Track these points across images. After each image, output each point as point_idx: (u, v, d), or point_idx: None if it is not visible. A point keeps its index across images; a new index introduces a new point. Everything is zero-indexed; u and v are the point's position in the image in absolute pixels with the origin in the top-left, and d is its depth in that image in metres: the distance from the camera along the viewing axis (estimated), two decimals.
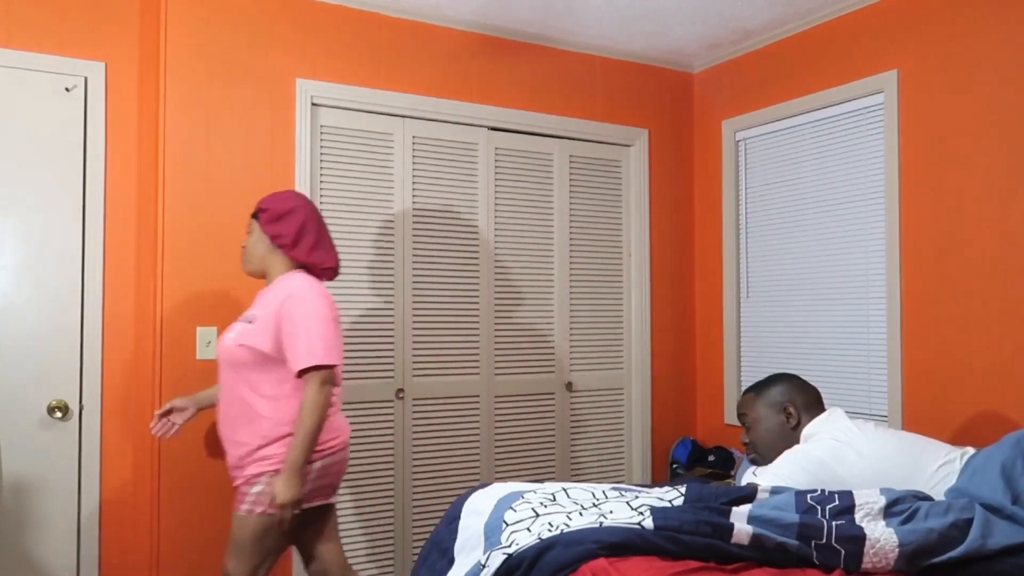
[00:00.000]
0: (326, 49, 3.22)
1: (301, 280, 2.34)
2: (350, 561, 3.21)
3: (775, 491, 2.05)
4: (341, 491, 3.20)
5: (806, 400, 2.46)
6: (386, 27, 3.34)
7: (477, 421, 3.51)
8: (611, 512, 2.01)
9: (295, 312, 2.27)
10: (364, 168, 3.31)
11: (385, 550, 3.29)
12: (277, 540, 2.35)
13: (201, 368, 2.95)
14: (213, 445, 2.97)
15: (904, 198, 3.09)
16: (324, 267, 2.44)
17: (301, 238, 2.40)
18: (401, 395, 3.34)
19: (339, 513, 3.20)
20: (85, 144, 2.94)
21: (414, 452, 3.37)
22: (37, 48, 2.86)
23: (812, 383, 3.09)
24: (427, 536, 3.36)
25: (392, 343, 3.34)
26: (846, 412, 2.46)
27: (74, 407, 2.89)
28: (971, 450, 2.24)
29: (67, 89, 2.59)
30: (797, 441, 2.42)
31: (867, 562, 1.75)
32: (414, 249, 3.39)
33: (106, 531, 2.94)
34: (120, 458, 2.97)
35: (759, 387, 2.52)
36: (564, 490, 2.22)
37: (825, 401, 3.39)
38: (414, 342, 3.38)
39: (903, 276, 3.09)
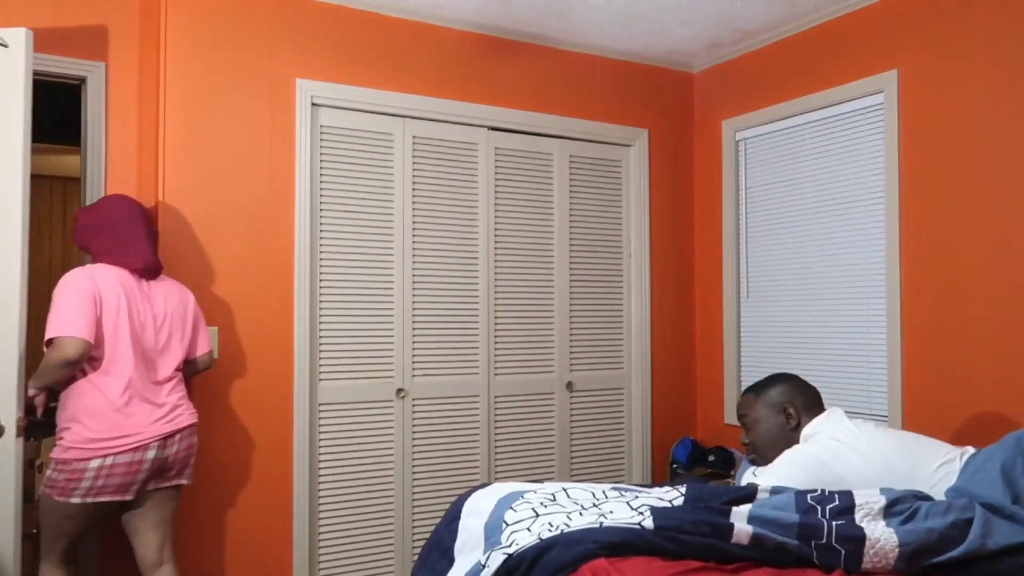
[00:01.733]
0: (326, 49, 3.22)
1: (74, 270, 2.47)
2: (343, 561, 3.21)
3: (775, 491, 2.05)
4: (343, 488, 3.20)
5: (806, 400, 2.46)
6: (386, 27, 3.34)
7: (477, 421, 3.51)
8: (611, 512, 2.01)
9: (54, 296, 2.41)
10: (364, 168, 3.31)
11: (385, 550, 3.29)
12: (72, 521, 2.41)
13: None
14: (213, 446, 2.97)
15: (904, 198, 3.09)
16: (132, 269, 2.53)
17: (102, 250, 2.52)
18: (401, 395, 3.34)
19: (340, 512, 3.20)
20: (86, 142, 2.94)
21: (414, 452, 3.37)
22: (37, 48, 2.86)
23: (812, 383, 3.10)
24: (427, 536, 3.37)
25: (392, 343, 3.34)
26: (846, 412, 2.46)
27: None
28: (971, 449, 2.24)
29: (3, 45, 2.49)
30: (797, 441, 2.42)
31: (867, 562, 1.75)
32: (414, 249, 3.39)
33: (107, 532, 2.93)
34: None
35: (759, 387, 2.52)
36: (564, 490, 2.22)
37: (825, 401, 3.40)
38: (414, 342, 3.38)
39: (903, 276, 3.09)
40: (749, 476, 2.39)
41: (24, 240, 2.46)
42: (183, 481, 2.60)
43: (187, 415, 2.57)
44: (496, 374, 3.56)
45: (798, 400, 2.45)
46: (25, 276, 2.47)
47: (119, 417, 2.39)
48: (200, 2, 3.00)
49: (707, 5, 3.33)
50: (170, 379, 2.56)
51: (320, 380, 3.19)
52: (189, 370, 2.72)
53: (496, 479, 3.55)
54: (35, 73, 2.85)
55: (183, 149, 2.96)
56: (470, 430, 3.50)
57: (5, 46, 2.47)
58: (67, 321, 2.32)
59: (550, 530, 1.90)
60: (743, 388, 3.83)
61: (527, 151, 3.68)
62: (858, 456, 2.20)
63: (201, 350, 2.72)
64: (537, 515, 2.02)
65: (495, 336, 3.57)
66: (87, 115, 2.94)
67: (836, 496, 1.93)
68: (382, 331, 3.32)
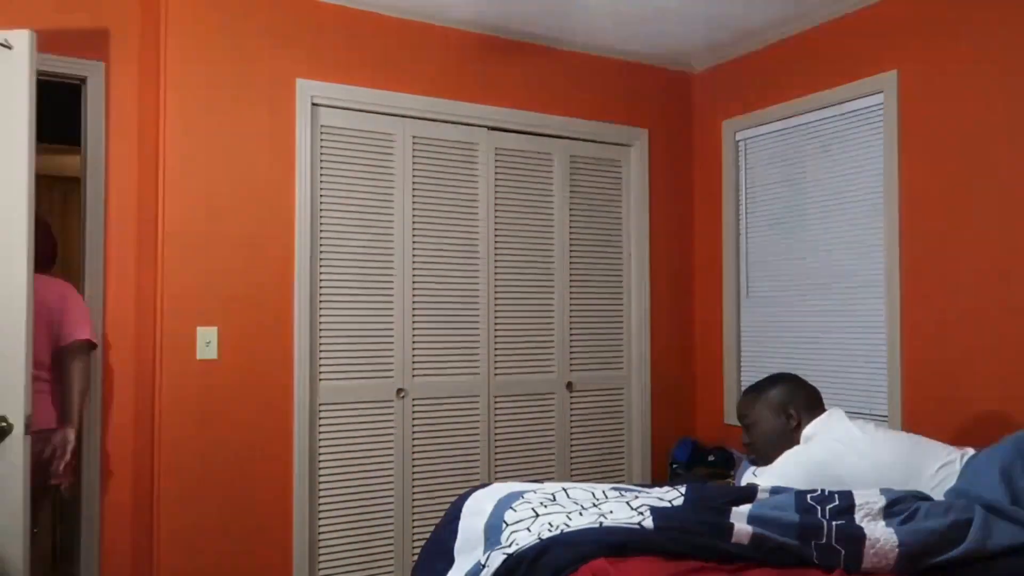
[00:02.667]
0: (326, 49, 3.22)
1: None
2: (343, 561, 3.21)
3: (775, 491, 2.05)
4: (343, 488, 3.20)
5: (806, 401, 2.45)
6: (386, 27, 3.34)
7: (477, 421, 3.51)
8: (611, 512, 2.01)
9: None
10: (364, 168, 3.31)
11: (385, 550, 3.29)
12: None
13: (201, 368, 2.95)
14: (213, 446, 2.97)
15: (904, 198, 3.09)
16: None
17: None
18: (401, 395, 3.34)
19: (340, 512, 3.20)
20: (86, 142, 2.94)
21: (414, 452, 3.37)
22: (38, 47, 2.85)
23: (812, 383, 3.09)
24: (427, 536, 3.36)
25: (392, 343, 3.34)
26: (846, 412, 2.46)
27: None
28: (971, 451, 2.24)
29: (3, 45, 2.46)
30: (797, 442, 2.41)
31: (867, 562, 1.75)
32: (414, 249, 3.39)
33: (107, 532, 2.94)
34: (121, 459, 2.97)
35: (759, 388, 2.52)
36: (564, 490, 2.22)
37: (825, 401, 3.39)
38: (414, 342, 3.38)
39: (903, 276, 3.09)
40: (749, 476, 2.39)
41: (30, 241, 2.45)
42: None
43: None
44: (496, 374, 3.56)
45: (799, 400, 2.45)
46: (31, 276, 2.46)
47: None
48: (200, 2, 3.00)
49: (707, 5, 3.33)
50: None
51: (320, 380, 3.19)
52: (70, 361, 2.67)
53: (496, 479, 3.55)
54: (37, 73, 2.85)
55: (183, 149, 2.96)
56: (470, 430, 3.50)
57: (8, 47, 2.44)
58: None
59: (550, 530, 1.90)
60: (743, 388, 3.83)
61: (527, 151, 3.68)
62: (858, 457, 2.20)
63: (68, 339, 2.67)
64: (537, 515, 2.02)
65: (495, 336, 3.56)
66: (87, 115, 2.94)
67: (836, 496, 1.93)
68: (382, 331, 3.32)
